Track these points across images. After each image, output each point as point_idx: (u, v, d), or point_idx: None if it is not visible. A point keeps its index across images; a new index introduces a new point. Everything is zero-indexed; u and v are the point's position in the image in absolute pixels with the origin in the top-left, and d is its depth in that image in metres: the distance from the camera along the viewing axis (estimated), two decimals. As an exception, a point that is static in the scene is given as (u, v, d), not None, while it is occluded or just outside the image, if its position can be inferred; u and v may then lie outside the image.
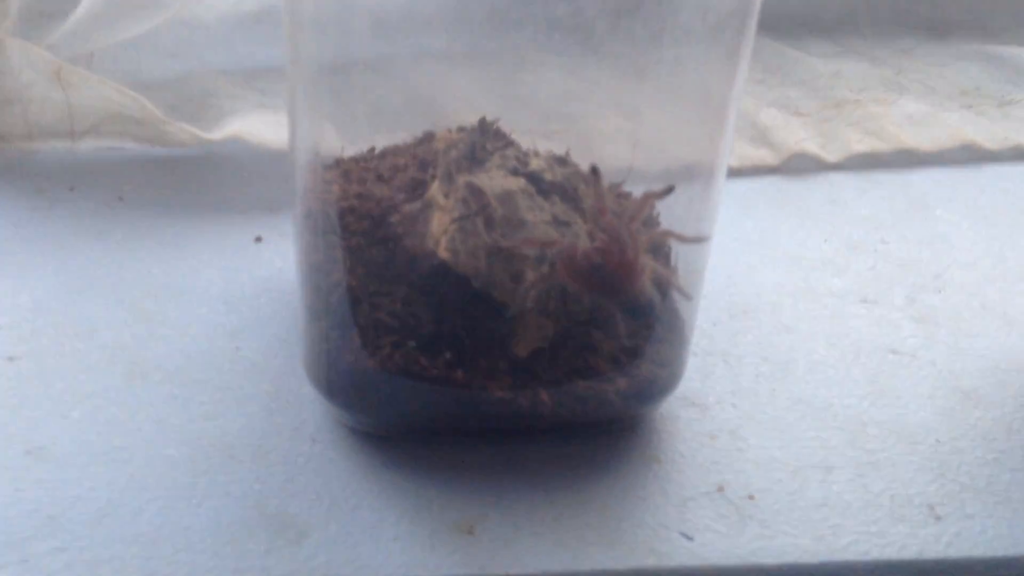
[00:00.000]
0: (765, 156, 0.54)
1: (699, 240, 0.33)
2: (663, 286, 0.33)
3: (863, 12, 0.74)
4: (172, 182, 0.50)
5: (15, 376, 0.36)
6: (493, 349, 0.32)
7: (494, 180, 0.33)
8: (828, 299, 0.43)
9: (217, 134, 0.49)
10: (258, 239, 0.46)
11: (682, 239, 0.32)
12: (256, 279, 0.43)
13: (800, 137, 0.55)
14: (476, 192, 0.32)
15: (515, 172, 0.34)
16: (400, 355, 0.32)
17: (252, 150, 0.52)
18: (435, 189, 0.34)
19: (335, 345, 0.33)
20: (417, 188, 0.35)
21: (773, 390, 0.37)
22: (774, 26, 0.72)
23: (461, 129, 0.37)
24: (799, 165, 0.54)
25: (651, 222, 0.35)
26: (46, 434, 0.33)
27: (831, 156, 0.54)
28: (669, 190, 0.31)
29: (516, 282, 0.32)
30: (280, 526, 0.31)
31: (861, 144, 0.55)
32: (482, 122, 0.36)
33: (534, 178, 0.34)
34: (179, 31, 0.60)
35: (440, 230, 0.32)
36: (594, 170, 0.31)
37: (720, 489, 0.33)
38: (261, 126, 0.50)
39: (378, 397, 0.33)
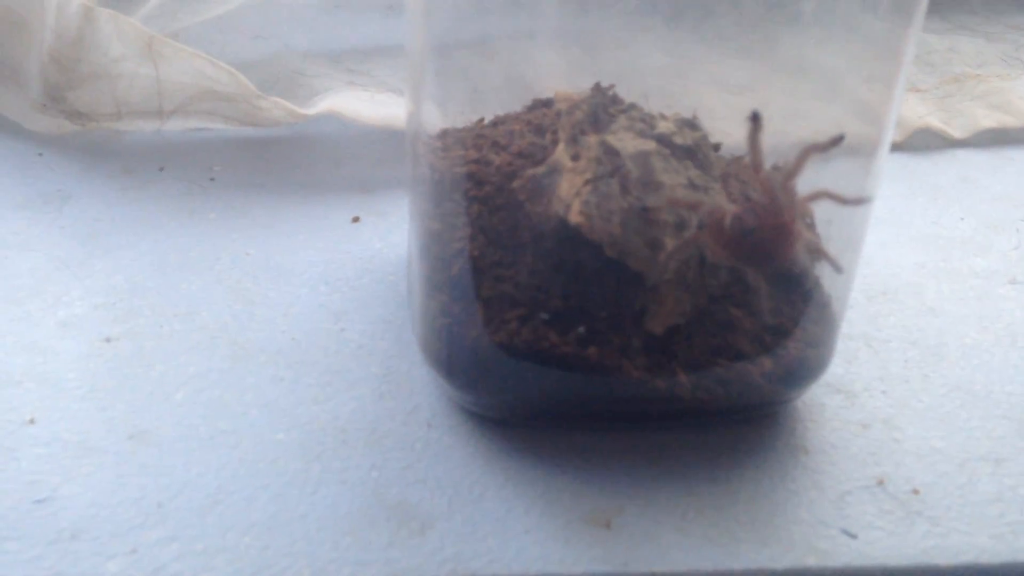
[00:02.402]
0: (886, 132, 0.50)
1: (860, 202, 0.29)
2: (815, 256, 0.30)
3: (973, -13, 0.70)
4: (263, 162, 0.48)
5: (113, 358, 0.34)
6: (626, 325, 0.29)
7: (625, 141, 0.31)
8: (973, 280, 0.40)
9: (311, 109, 0.47)
10: (355, 219, 0.43)
11: (841, 200, 0.29)
12: (356, 259, 0.41)
13: (921, 112, 0.51)
14: (611, 152, 0.29)
15: (643, 135, 0.32)
16: (528, 330, 0.29)
17: (343, 131, 0.50)
18: (560, 152, 0.31)
19: (456, 320, 0.30)
20: (536, 153, 0.32)
21: (926, 376, 0.34)
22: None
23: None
24: (923, 142, 0.51)
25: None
26: (149, 418, 0.31)
27: (957, 132, 0.51)
28: (837, 140, 0.27)
29: (653, 250, 0.29)
30: (402, 516, 0.28)
31: (989, 119, 0.51)
32: (597, 86, 0.34)
33: (663, 141, 0.31)
34: (263, 12, 0.58)
35: (570, 193, 0.29)
36: (754, 116, 0.27)
37: (880, 482, 0.30)
38: (355, 102, 0.48)
39: (502, 377, 0.30)
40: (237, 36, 0.58)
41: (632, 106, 0.34)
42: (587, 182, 0.29)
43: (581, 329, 0.29)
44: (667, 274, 0.29)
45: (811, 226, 0.31)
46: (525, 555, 0.27)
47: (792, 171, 0.28)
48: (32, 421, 0.31)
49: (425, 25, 0.31)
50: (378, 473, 0.30)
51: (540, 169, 0.31)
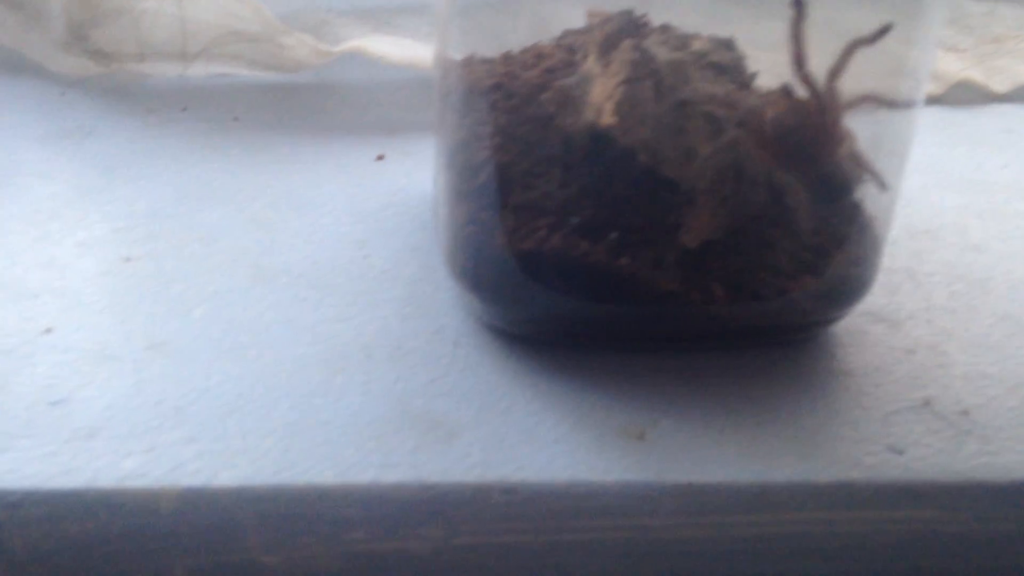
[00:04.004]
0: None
1: (907, 105, 0.28)
2: (859, 165, 0.29)
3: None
4: (287, 106, 0.47)
5: (132, 275, 0.33)
6: (660, 237, 0.28)
7: (661, 50, 0.30)
8: (1019, 220, 0.38)
9: (336, 48, 0.46)
10: (380, 157, 0.43)
11: (885, 103, 0.28)
12: (380, 194, 0.40)
13: (961, 67, 0.50)
14: (646, 54, 0.28)
15: (677, 49, 0.30)
16: (558, 238, 0.28)
17: (367, 77, 0.49)
18: (591, 62, 0.30)
19: (482, 227, 0.29)
20: (567, 68, 0.31)
21: (972, 307, 0.33)
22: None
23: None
24: (963, 97, 0.49)
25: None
26: (168, 330, 0.31)
27: (997, 86, 0.49)
28: (883, 31, 0.25)
29: (689, 156, 0.28)
30: (428, 424, 0.27)
31: (1031, 75, 0.50)
32: (627, 12, 0.33)
33: (700, 57, 0.30)
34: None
35: (602, 96, 0.28)
36: (797, 2, 0.26)
37: (927, 403, 0.28)
38: (381, 43, 0.47)
39: (530, 289, 0.29)
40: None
41: (665, 27, 0.33)
42: (620, 83, 0.28)
43: (614, 235, 0.28)
44: (702, 182, 0.27)
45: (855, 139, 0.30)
46: (555, 463, 0.26)
47: (836, 68, 0.26)
48: (49, 330, 0.30)
49: None
50: (403, 385, 0.29)
51: (570, 80, 0.30)
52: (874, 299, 0.33)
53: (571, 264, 0.28)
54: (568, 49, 0.33)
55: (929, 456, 0.27)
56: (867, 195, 0.29)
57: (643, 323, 0.30)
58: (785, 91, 0.27)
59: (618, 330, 0.30)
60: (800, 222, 0.28)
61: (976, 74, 0.49)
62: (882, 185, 0.29)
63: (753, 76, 0.32)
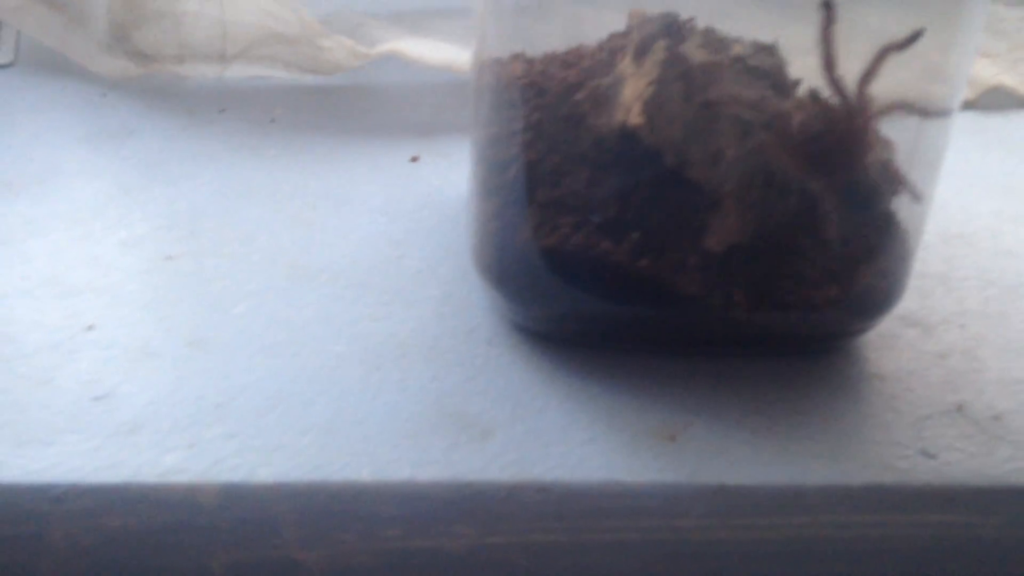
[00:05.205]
0: (958, 90, 0.49)
1: (941, 113, 0.28)
2: (891, 175, 0.29)
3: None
4: (324, 108, 0.48)
5: (173, 273, 0.34)
6: (684, 240, 0.28)
7: (696, 52, 0.30)
8: (1053, 226, 0.38)
9: (373, 50, 0.46)
10: (414, 159, 0.43)
11: (918, 111, 0.28)
12: (415, 195, 0.40)
13: (994, 72, 0.50)
14: (677, 55, 0.28)
15: (716, 52, 0.31)
16: (581, 236, 0.28)
17: (403, 80, 0.50)
18: (627, 63, 0.30)
19: (508, 223, 0.30)
20: (605, 70, 0.32)
21: (1005, 312, 0.33)
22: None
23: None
24: (996, 102, 0.49)
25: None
26: (208, 327, 0.31)
27: (1033, 92, 0.49)
28: (915, 37, 0.25)
29: (716, 159, 0.28)
30: (463, 423, 0.28)
31: (1066, 80, 0.50)
32: (669, 14, 0.33)
33: (737, 61, 0.30)
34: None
35: (632, 96, 0.29)
36: (827, 4, 0.25)
37: (959, 408, 0.29)
38: (418, 46, 0.47)
39: (551, 285, 0.29)
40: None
41: (708, 30, 0.33)
42: (649, 83, 0.28)
43: (636, 235, 0.28)
44: (728, 185, 0.28)
45: (889, 147, 0.30)
46: (589, 463, 0.26)
47: (868, 73, 0.26)
48: (92, 327, 0.31)
49: None
50: (438, 384, 0.29)
51: (606, 80, 0.30)
52: (907, 303, 0.33)
53: (592, 263, 0.28)
54: (610, 51, 0.33)
55: (961, 461, 0.27)
56: (899, 205, 0.29)
57: (664, 325, 0.30)
58: (814, 96, 0.27)
59: (640, 331, 0.30)
60: (828, 231, 0.28)
61: (1009, 80, 0.49)
62: (915, 196, 0.29)
63: (796, 83, 0.32)
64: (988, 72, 0.50)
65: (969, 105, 0.48)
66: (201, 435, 0.27)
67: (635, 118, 0.28)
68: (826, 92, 0.27)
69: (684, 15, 0.33)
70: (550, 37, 0.33)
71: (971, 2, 0.27)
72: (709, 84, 0.28)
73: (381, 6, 0.58)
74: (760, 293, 0.28)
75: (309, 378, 0.29)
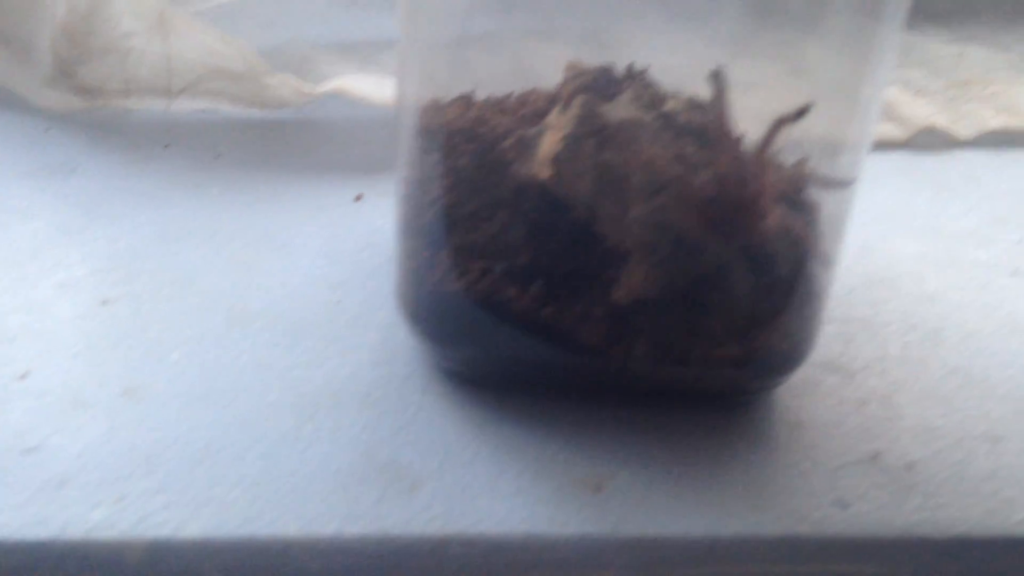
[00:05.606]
0: (891, 130, 0.50)
1: (841, 185, 0.29)
2: (794, 241, 0.29)
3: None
4: (269, 143, 0.48)
5: (110, 318, 0.34)
6: (592, 292, 0.29)
7: (617, 109, 0.30)
8: (975, 270, 0.39)
9: (318, 88, 0.47)
10: (358, 197, 0.43)
11: (819, 183, 0.29)
12: (357, 235, 0.41)
13: (927, 112, 0.51)
14: (591, 111, 0.29)
15: (646, 108, 0.31)
16: (487, 281, 0.29)
17: (349, 115, 0.50)
18: (553, 114, 0.31)
19: (423, 264, 0.31)
20: (539, 118, 0.32)
21: (924, 359, 0.34)
22: (887, 10, 0.68)
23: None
24: (929, 142, 0.50)
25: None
26: (143, 375, 0.31)
27: (962, 132, 0.50)
28: (804, 111, 0.26)
29: (622, 217, 0.29)
30: (392, 475, 0.28)
31: (995, 120, 0.51)
32: (630, 67, 0.34)
33: (666, 117, 0.31)
34: (276, 1, 0.58)
35: (547, 149, 0.29)
36: (716, 74, 0.26)
37: (874, 457, 0.30)
38: (363, 84, 0.48)
39: (460, 327, 0.30)
40: (249, 23, 0.58)
41: (648, 85, 0.33)
42: (563, 138, 0.29)
43: (538, 284, 0.29)
44: (634, 241, 0.28)
45: (811, 217, 0.31)
46: (515, 516, 0.27)
47: (763, 144, 0.27)
48: (25, 375, 0.31)
49: (412, 22, 0.31)
50: (370, 434, 0.30)
51: (531, 131, 0.31)
52: (829, 350, 0.34)
53: (497, 308, 0.29)
54: (551, 101, 0.34)
55: (873, 511, 0.28)
56: (804, 268, 0.30)
57: (570, 373, 0.30)
58: (717, 159, 0.28)
59: (547, 377, 0.31)
60: (730, 291, 0.29)
61: (941, 120, 0.51)
62: (822, 260, 0.30)
63: (739, 140, 0.32)
64: (922, 112, 0.51)
65: (902, 145, 0.50)
66: (130, 489, 0.27)
67: (544, 171, 0.29)
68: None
69: (625, 66, 0.34)
70: (471, 78, 0.33)
71: (871, 77, 0.29)
72: (625, 141, 0.29)
73: (330, 38, 0.59)
74: (661, 347, 0.29)
75: (241, 428, 0.29)
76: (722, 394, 0.31)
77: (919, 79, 0.58)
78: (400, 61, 0.32)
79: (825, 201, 0.29)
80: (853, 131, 0.29)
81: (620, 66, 0.33)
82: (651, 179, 0.28)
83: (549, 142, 0.29)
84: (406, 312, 0.32)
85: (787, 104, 0.27)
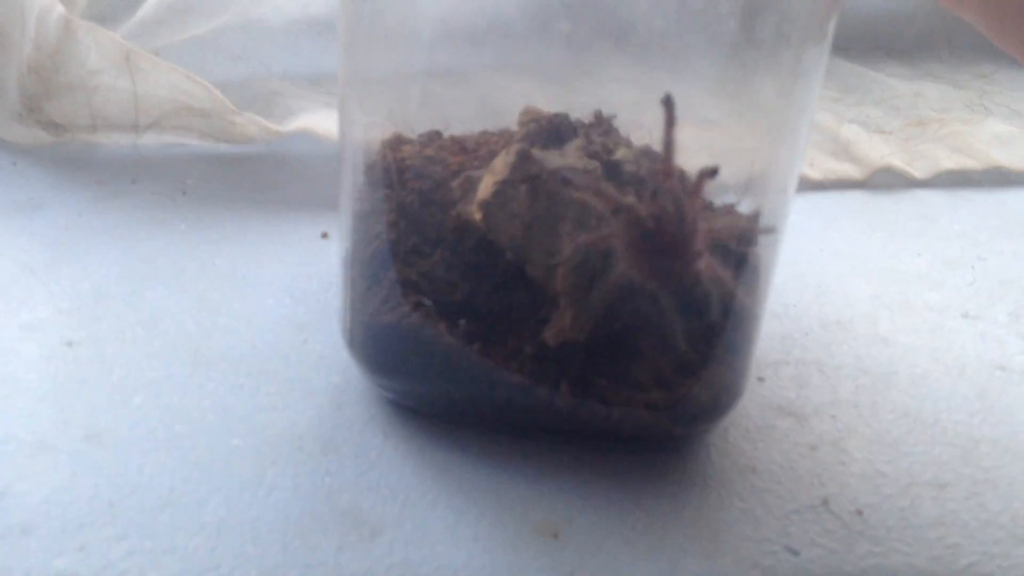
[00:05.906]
0: (849, 170, 0.51)
1: (767, 231, 0.30)
2: (722, 289, 0.29)
3: (941, 37, 0.72)
4: (236, 178, 0.48)
5: (73, 361, 0.34)
6: (522, 331, 0.30)
7: (562, 157, 0.31)
8: (927, 313, 0.40)
9: (285, 127, 0.47)
10: (324, 235, 0.44)
11: (744, 229, 0.29)
12: (323, 274, 0.41)
13: (884, 152, 0.52)
14: (526, 158, 0.30)
15: (594, 156, 0.32)
16: (419, 315, 0.30)
17: (316, 150, 0.51)
18: (499, 158, 0.32)
19: (359, 295, 0.31)
20: (489, 160, 0.33)
21: (875, 402, 0.35)
22: (848, 48, 0.70)
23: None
24: (885, 181, 0.52)
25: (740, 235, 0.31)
26: (106, 420, 0.32)
27: (919, 172, 0.52)
28: (712, 172, 0.26)
29: (553, 258, 0.29)
30: (353, 522, 0.28)
31: (950, 161, 0.53)
32: (598, 114, 0.34)
33: (612, 166, 0.32)
34: (245, 34, 0.59)
35: (481, 195, 0.30)
36: (667, 100, 0.26)
37: (825, 502, 0.30)
38: (329, 122, 0.48)
39: (395, 358, 0.31)
40: (217, 56, 0.58)
41: (608, 132, 0.34)
42: (494, 183, 0.30)
43: (463, 322, 0.30)
44: (562, 284, 0.29)
45: (729, 256, 0.31)
46: (473, 563, 0.27)
47: (694, 190, 0.27)
48: (-12, 419, 0.31)
49: (349, 56, 0.31)
50: (332, 479, 0.30)
51: (477, 173, 0.32)
52: (784, 393, 0.35)
53: (426, 342, 0.30)
54: (507, 142, 0.35)
55: (822, 557, 0.28)
56: (729, 318, 0.30)
57: (500, 409, 0.31)
58: (650, 196, 0.28)
59: (480, 412, 0.32)
60: (657, 336, 0.29)
61: (897, 160, 0.52)
62: (748, 309, 0.30)
63: (681, 175, 0.33)
64: (879, 151, 0.53)
65: (858, 185, 0.51)
66: (93, 536, 0.27)
67: (476, 213, 0.30)
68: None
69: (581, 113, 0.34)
70: (411, 113, 0.34)
71: (795, 134, 0.30)
72: (555, 190, 0.30)
73: (299, 71, 0.59)
74: (585, 388, 0.29)
75: (204, 474, 0.30)
76: (650, 437, 0.31)
77: (878, 117, 0.59)
78: (340, 95, 0.32)
79: (753, 250, 0.30)
80: (777, 176, 0.30)
81: (591, 109, 0.34)
82: (581, 223, 0.29)
83: (484, 186, 0.30)
84: (347, 342, 0.33)
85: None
